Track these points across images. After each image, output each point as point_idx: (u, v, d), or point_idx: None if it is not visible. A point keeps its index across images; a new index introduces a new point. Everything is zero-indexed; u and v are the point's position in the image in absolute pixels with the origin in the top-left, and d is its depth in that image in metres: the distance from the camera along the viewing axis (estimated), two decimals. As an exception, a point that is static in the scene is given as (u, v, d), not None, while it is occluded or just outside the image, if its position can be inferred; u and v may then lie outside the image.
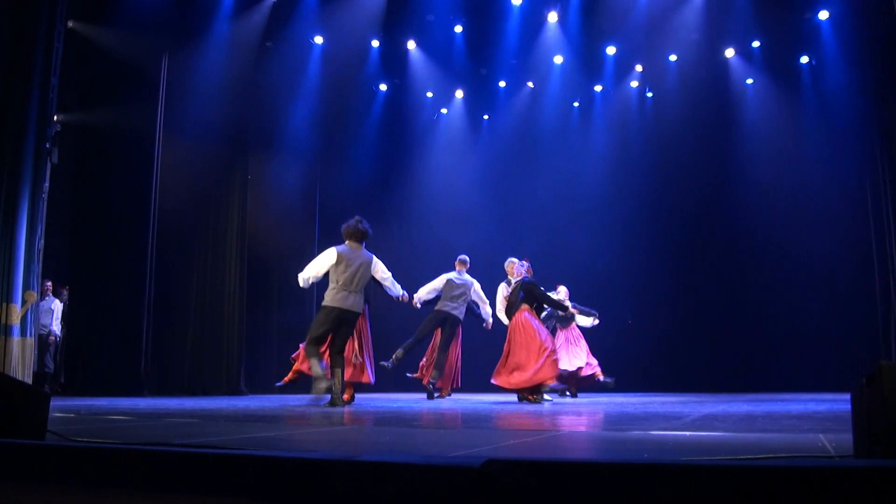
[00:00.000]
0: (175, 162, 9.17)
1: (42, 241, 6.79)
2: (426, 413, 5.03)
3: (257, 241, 10.00)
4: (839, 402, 5.64)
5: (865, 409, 1.84)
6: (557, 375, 6.99)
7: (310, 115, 10.96)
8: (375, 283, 6.55)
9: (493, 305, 8.13)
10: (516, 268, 7.22)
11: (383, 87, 12.22)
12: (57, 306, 8.91)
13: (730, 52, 11.23)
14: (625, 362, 10.05)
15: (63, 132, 7.70)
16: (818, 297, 10.42)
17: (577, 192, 12.01)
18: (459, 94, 12.77)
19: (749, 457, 1.93)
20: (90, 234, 8.72)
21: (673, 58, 11.36)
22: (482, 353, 9.90)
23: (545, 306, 7.50)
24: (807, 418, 4.00)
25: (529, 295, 6.86)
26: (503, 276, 8.01)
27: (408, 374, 8.46)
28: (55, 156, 7.09)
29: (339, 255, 6.11)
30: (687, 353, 11.08)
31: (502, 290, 7.84)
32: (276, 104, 10.60)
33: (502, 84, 12.50)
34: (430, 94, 12.50)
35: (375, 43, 11.20)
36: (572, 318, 8.71)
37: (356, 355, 6.67)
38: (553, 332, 8.38)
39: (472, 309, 8.17)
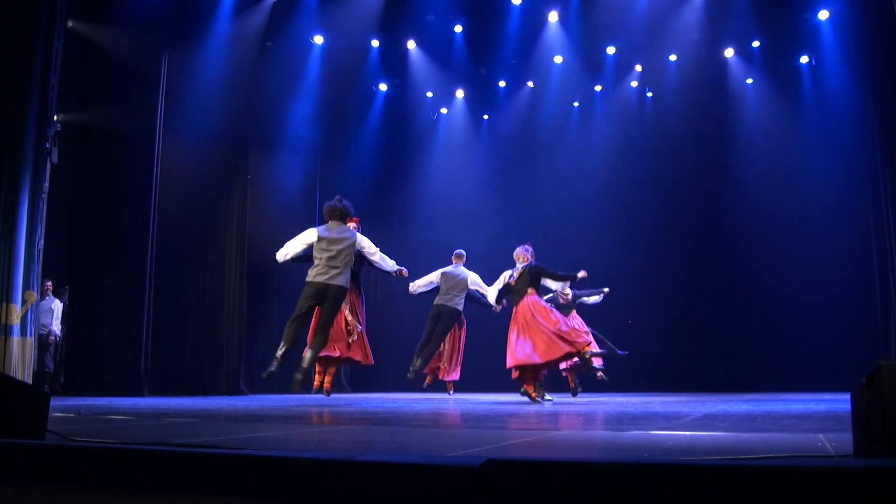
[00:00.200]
0: (175, 162, 9.17)
1: (42, 241, 6.78)
2: (426, 413, 5.04)
3: (257, 241, 10.00)
4: (839, 402, 5.64)
5: (865, 409, 1.84)
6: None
7: (310, 115, 10.96)
8: (375, 271, 6.46)
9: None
10: (523, 251, 6.86)
11: (383, 86, 12.21)
12: (57, 306, 8.91)
13: (729, 52, 11.23)
14: (625, 362, 10.04)
15: (63, 132, 7.69)
16: (818, 297, 10.42)
17: (577, 192, 12.01)
18: (460, 93, 12.78)
19: (749, 457, 1.93)
20: (90, 234, 8.71)
21: (673, 58, 11.37)
22: (482, 353, 9.91)
23: (552, 288, 7.40)
24: (807, 418, 4.00)
25: (536, 279, 6.70)
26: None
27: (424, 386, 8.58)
28: (55, 156, 7.08)
29: (320, 235, 6.11)
30: (687, 353, 11.08)
31: (505, 277, 7.69)
32: (276, 104, 10.59)
33: (502, 84, 12.50)
34: (429, 94, 12.50)
35: (375, 43, 11.20)
36: (572, 305, 8.66)
37: (352, 332, 6.57)
38: None
39: (479, 299, 8.09)
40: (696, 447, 2.53)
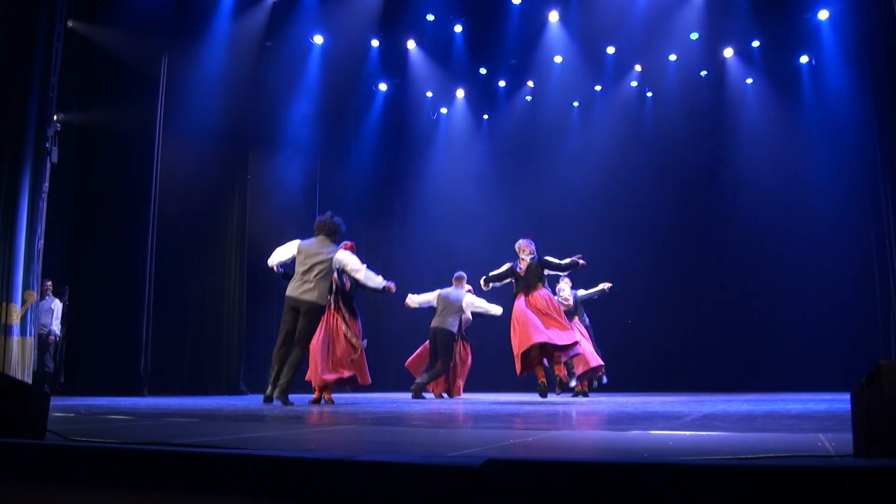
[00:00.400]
0: (175, 161, 9.18)
1: (42, 241, 6.77)
2: (426, 413, 5.04)
3: (257, 241, 10.00)
4: (839, 402, 5.64)
5: (865, 409, 1.84)
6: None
7: (310, 115, 10.97)
8: (363, 289, 6.38)
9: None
10: (527, 244, 6.82)
11: (383, 86, 12.22)
12: (57, 306, 8.91)
13: (729, 52, 11.23)
14: (625, 362, 10.06)
15: (63, 132, 7.69)
16: (818, 297, 10.42)
17: (577, 192, 12.02)
18: (460, 93, 12.78)
19: (749, 457, 1.93)
20: (90, 234, 8.71)
21: (672, 57, 11.37)
22: (482, 353, 9.91)
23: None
24: (807, 418, 4.00)
25: (543, 272, 6.71)
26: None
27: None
28: (55, 155, 7.08)
29: (299, 248, 6.14)
30: (687, 353, 11.09)
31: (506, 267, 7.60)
32: (276, 104, 10.60)
33: (502, 84, 12.50)
34: (429, 94, 12.51)
35: (375, 42, 11.21)
36: (574, 311, 8.68)
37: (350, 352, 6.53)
38: None
39: (483, 314, 8.35)
40: (696, 447, 2.53)
